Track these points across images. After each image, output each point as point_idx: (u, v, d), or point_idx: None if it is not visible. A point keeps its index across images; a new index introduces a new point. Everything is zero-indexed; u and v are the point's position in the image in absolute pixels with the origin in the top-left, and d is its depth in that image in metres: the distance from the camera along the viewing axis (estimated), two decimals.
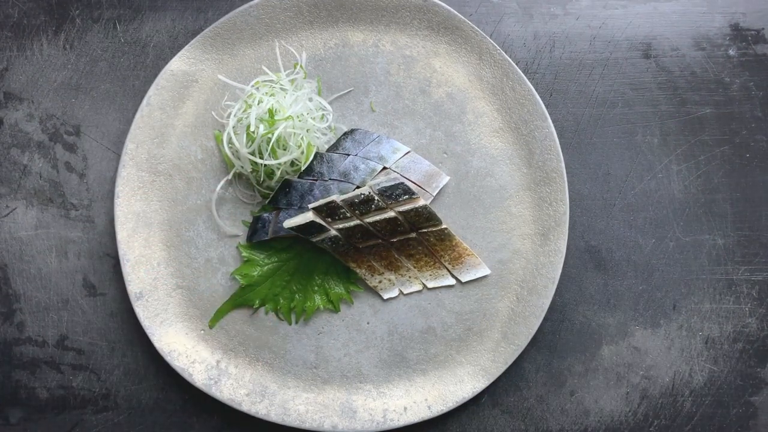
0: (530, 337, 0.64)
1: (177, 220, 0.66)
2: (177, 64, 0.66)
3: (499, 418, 0.67)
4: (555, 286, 0.64)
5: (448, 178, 0.66)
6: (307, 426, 0.64)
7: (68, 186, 0.68)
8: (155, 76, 0.66)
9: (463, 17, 0.65)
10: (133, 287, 0.65)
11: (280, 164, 0.63)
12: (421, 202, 0.61)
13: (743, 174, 0.68)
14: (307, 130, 0.64)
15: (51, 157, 0.68)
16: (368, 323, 0.67)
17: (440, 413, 0.65)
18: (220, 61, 0.67)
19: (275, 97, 0.63)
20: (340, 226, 0.62)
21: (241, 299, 0.65)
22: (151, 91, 0.66)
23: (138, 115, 0.65)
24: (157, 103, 0.66)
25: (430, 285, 0.66)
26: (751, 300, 0.67)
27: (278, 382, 0.66)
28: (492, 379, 0.65)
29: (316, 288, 0.66)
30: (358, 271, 0.65)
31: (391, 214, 0.61)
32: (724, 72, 0.69)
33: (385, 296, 0.66)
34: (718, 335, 0.67)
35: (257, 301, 0.65)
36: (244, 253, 0.66)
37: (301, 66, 0.66)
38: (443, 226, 0.63)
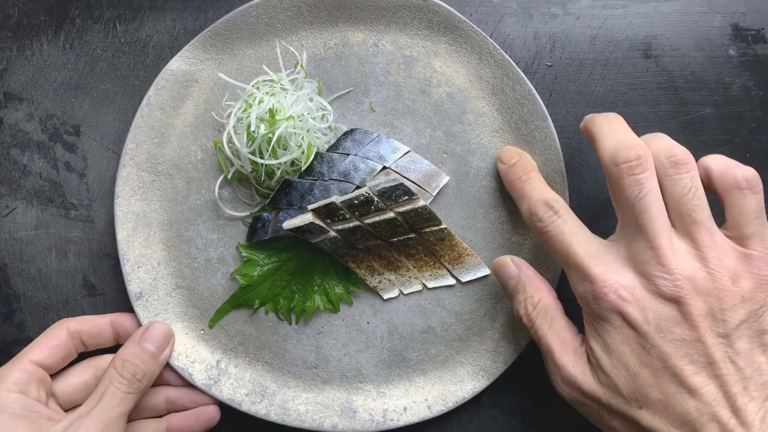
0: (531, 338, 0.64)
1: (177, 220, 0.67)
2: (177, 63, 0.66)
3: (499, 419, 0.67)
4: (555, 286, 0.64)
5: (448, 177, 0.66)
6: (307, 426, 0.64)
7: (68, 186, 0.68)
8: (155, 76, 0.66)
9: (463, 17, 0.65)
10: (133, 287, 0.65)
11: (280, 164, 0.63)
12: (420, 203, 0.61)
13: None
14: (308, 130, 0.64)
15: (51, 157, 0.68)
16: (368, 323, 0.67)
17: (440, 413, 0.65)
18: (220, 61, 0.67)
19: (276, 96, 0.63)
20: (340, 227, 0.62)
21: (241, 299, 0.65)
22: (151, 90, 0.66)
23: (138, 115, 0.66)
24: (157, 103, 0.66)
25: (430, 285, 0.66)
26: None
27: (278, 382, 0.66)
28: (492, 379, 0.65)
29: (315, 288, 0.66)
30: (357, 271, 0.65)
31: (390, 215, 0.61)
32: (725, 72, 0.69)
33: (385, 296, 0.66)
34: None
35: (257, 301, 0.65)
36: (244, 253, 0.66)
37: (301, 66, 0.66)
38: (443, 226, 0.63)
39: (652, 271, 0.51)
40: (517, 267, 0.61)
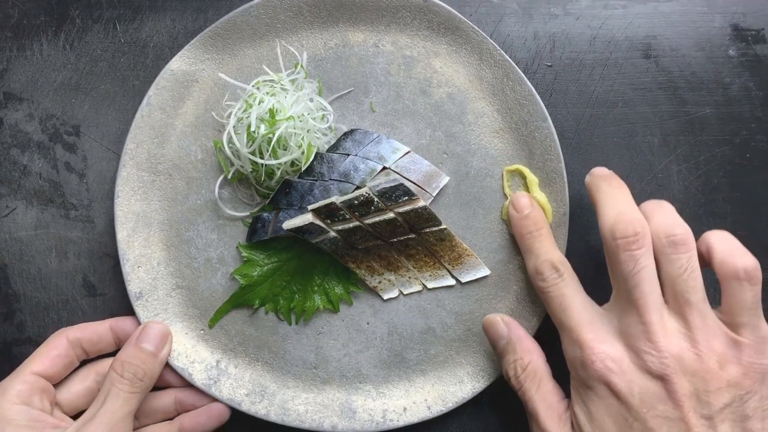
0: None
1: (177, 219, 0.67)
2: (177, 63, 0.66)
3: (499, 419, 0.67)
4: None
5: (448, 178, 0.66)
6: (306, 426, 0.64)
7: (68, 186, 0.68)
8: (155, 76, 0.66)
9: (463, 17, 0.65)
10: (132, 287, 0.65)
11: (280, 164, 0.63)
12: (420, 203, 0.61)
13: (743, 174, 0.68)
14: (308, 131, 0.64)
15: (51, 157, 0.68)
16: (368, 323, 0.67)
17: (440, 414, 0.65)
18: (221, 61, 0.67)
19: (276, 97, 0.63)
20: (340, 227, 0.62)
21: (241, 299, 0.65)
22: (152, 90, 0.66)
23: (138, 115, 0.66)
24: (158, 103, 0.66)
25: (429, 285, 0.66)
26: None
27: (278, 382, 0.66)
28: (492, 380, 0.65)
29: (315, 288, 0.66)
30: (357, 271, 0.65)
31: (390, 215, 0.61)
32: (724, 72, 0.69)
33: (385, 296, 0.66)
34: None
35: (257, 301, 0.65)
36: (244, 253, 0.66)
37: (302, 66, 0.66)
38: (443, 227, 0.63)
39: (641, 346, 0.52)
40: (507, 326, 0.62)
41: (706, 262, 0.54)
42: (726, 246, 0.53)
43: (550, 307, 0.58)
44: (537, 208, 0.63)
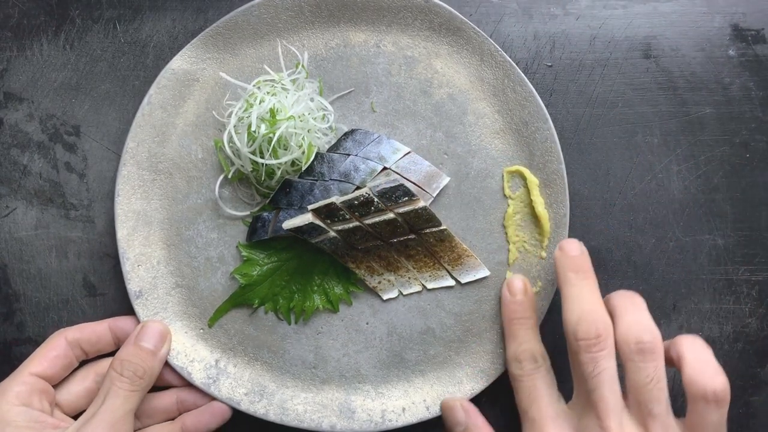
0: None
1: (177, 218, 0.67)
2: (178, 62, 0.66)
3: (499, 418, 0.67)
4: (555, 288, 0.64)
5: (448, 179, 0.66)
6: (305, 426, 0.64)
7: (68, 186, 0.69)
8: (155, 76, 0.66)
9: (464, 18, 0.65)
10: (132, 286, 0.65)
11: (281, 164, 0.63)
12: (420, 204, 0.61)
13: (743, 174, 0.68)
14: (309, 131, 0.64)
15: (51, 157, 0.69)
16: (367, 324, 0.67)
17: (438, 414, 0.65)
18: (222, 60, 0.67)
19: (277, 96, 0.63)
20: (340, 227, 0.62)
21: (241, 298, 0.65)
22: (153, 89, 0.66)
23: (139, 114, 0.66)
24: (158, 102, 0.66)
25: (429, 286, 0.66)
26: (751, 300, 0.67)
27: (277, 381, 0.66)
28: (491, 381, 0.65)
29: (315, 288, 0.66)
30: (357, 271, 0.65)
31: (390, 215, 0.61)
32: (724, 72, 0.69)
33: (385, 297, 0.66)
34: (718, 335, 0.67)
35: (257, 301, 0.65)
36: (244, 253, 0.66)
37: (303, 66, 0.66)
38: (443, 227, 0.63)
39: None
40: (465, 413, 0.61)
41: (675, 365, 0.53)
42: (697, 358, 0.52)
43: (520, 395, 0.58)
44: (530, 295, 0.63)
